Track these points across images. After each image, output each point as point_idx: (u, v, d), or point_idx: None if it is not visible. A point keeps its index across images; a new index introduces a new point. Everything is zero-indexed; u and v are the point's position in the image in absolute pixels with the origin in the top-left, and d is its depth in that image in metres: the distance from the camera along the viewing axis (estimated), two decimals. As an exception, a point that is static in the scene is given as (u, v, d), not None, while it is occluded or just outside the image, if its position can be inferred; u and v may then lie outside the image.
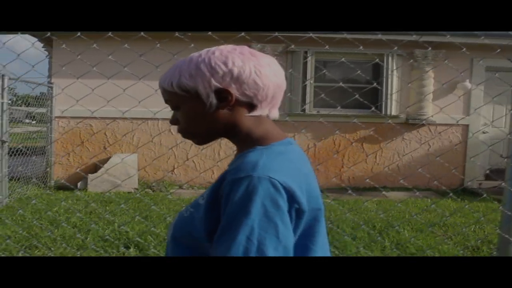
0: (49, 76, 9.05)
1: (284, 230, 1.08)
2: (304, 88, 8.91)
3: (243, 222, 1.06)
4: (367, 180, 7.74)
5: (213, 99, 1.22)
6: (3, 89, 6.78)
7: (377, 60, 8.51)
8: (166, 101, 1.31)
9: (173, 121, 1.32)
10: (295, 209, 1.12)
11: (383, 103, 9.02)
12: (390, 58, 8.93)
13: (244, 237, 1.05)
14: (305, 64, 8.79)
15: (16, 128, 13.10)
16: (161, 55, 4.04)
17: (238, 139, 1.29)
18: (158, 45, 4.13)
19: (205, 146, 7.37)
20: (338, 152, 9.13)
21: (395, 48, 7.47)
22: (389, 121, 8.12)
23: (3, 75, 6.73)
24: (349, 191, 5.44)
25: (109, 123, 8.47)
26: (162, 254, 4.87)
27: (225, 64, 1.21)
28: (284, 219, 1.09)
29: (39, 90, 8.42)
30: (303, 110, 8.90)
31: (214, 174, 8.99)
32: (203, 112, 1.24)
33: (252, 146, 1.25)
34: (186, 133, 1.31)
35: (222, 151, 9.07)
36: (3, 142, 6.81)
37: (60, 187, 8.49)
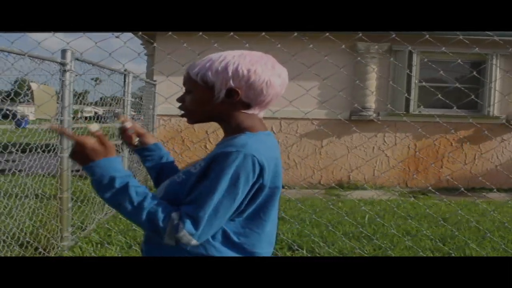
0: (147, 74, 8.97)
1: (240, 196, 1.43)
2: (408, 88, 8.81)
3: (220, 185, 1.39)
4: (481, 179, 7.66)
5: (222, 94, 1.50)
6: (128, 86, 6.70)
7: (487, 58, 8.40)
8: (184, 84, 1.59)
9: (180, 99, 1.61)
10: (259, 183, 1.45)
11: (485, 104, 8.92)
12: (494, 58, 8.82)
13: (214, 196, 1.40)
14: (410, 63, 8.68)
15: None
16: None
17: (228, 127, 1.57)
18: (279, 44, 4.07)
19: (307, 148, 7.22)
20: (437, 152, 9.04)
21: (507, 47, 7.36)
22: (491, 121, 8.03)
23: (129, 72, 6.64)
24: (462, 189, 5.36)
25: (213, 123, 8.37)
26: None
27: (248, 71, 1.48)
28: (245, 189, 1.43)
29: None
30: (407, 110, 8.81)
31: (315, 174, 8.90)
32: (209, 101, 1.53)
33: (241, 132, 1.52)
34: (186, 111, 1.60)
35: (324, 151, 8.99)
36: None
37: (160, 186, 8.38)
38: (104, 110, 8.74)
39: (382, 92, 8.92)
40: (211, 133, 8.64)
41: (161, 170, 1.91)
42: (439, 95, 5.63)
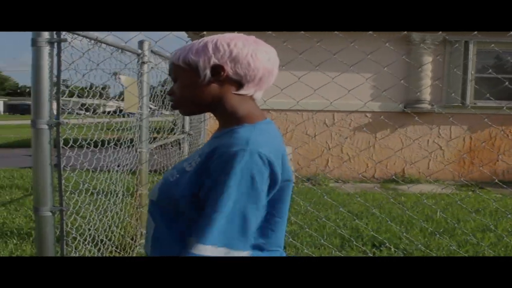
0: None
1: (263, 196, 1.30)
2: (464, 80, 8.60)
3: (233, 189, 1.25)
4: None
5: (207, 73, 1.39)
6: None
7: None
8: (169, 72, 1.49)
9: (170, 91, 1.50)
10: (272, 179, 1.31)
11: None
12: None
13: (231, 202, 1.25)
14: (466, 54, 8.46)
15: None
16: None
17: (222, 114, 1.45)
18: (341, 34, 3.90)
19: (360, 141, 7.08)
20: (493, 145, 8.83)
21: None
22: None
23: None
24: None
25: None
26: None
27: (228, 45, 1.39)
28: (264, 188, 1.29)
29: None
30: (462, 102, 8.60)
31: (369, 168, 8.72)
32: (196, 83, 1.41)
33: (238, 123, 1.40)
34: (176, 100, 1.48)
35: (378, 144, 8.81)
36: (189, 134, 6.61)
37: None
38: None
39: (437, 84, 8.71)
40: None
41: None
42: (507, 83, 5.38)
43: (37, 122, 2.47)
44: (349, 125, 8.81)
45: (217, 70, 1.39)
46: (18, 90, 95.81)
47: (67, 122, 2.72)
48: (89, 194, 3.32)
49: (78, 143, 3.10)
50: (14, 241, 4.92)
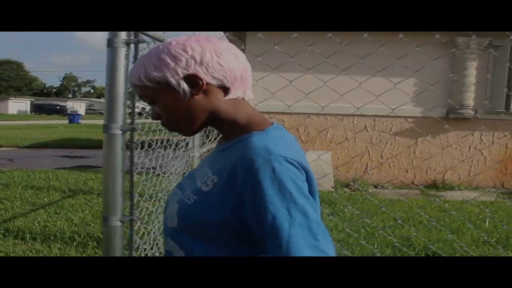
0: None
1: (310, 199, 1.14)
2: (509, 85, 8.39)
3: (291, 205, 1.09)
4: None
5: (185, 86, 1.22)
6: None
7: None
8: (141, 97, 1.31)
9: (154, 115, 1.32)
10: (311, 184, 1.18)
11: None
12: None
13: (302, 217, 1.09)
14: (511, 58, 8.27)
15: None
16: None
17: (223, 125, 1.30)
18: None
19: (400, 147, 6.88)
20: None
21: None
22: None
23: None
24: None
25: (305, 119, 8.08)
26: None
27: (185, 51, 1.22)
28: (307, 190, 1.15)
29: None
30: (507, 108, 8.39)
31: (408, 173, 8.54)
32: (180, 101, 1.24)
33: (245, 131, 1.25)
34: (170, 125, 1.31)
35: (418, 149, 8.63)
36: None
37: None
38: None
39: (481, 89, 8.52)
40: (302, 132, 8.36)
41: None
42: None
43: (110, 126, 2.34)
44: (389, 130, 8.65)
45: (193, 80, 1.23)
46: (45, 91, 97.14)
47: (141, 127, 2.60)
48: (152, 200, 3.23)
49: (144, 148, 3.01)
50: (58, 246, 4.87)
